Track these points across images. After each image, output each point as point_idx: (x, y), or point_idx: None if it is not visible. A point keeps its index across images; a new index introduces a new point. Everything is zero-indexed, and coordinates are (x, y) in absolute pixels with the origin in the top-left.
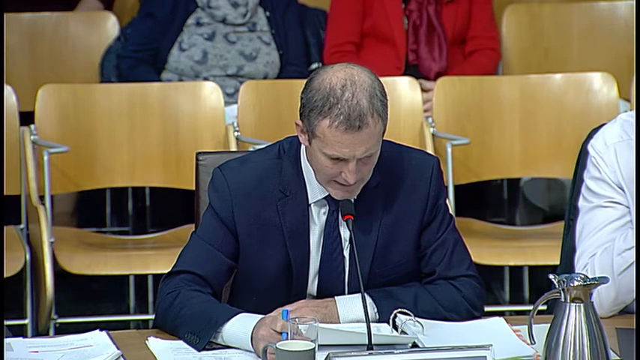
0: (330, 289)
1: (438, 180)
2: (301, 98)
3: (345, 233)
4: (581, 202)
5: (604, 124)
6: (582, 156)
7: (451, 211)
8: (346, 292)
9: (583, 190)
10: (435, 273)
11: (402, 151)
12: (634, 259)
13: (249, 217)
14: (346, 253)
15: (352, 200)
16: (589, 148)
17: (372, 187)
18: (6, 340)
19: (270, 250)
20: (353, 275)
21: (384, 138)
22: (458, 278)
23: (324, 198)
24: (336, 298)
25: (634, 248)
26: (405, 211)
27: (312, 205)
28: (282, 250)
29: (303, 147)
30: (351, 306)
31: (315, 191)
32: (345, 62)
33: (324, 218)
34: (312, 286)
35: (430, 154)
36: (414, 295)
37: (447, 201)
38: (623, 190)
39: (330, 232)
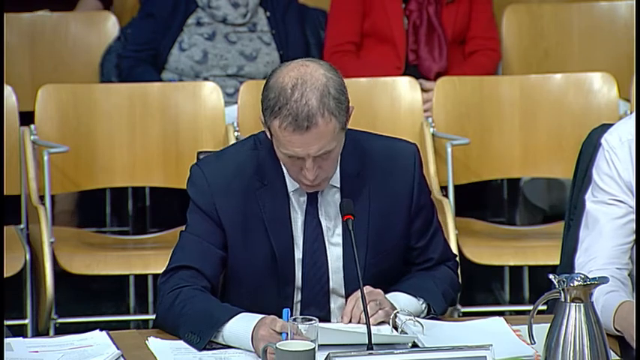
0: (312, 278)
1: (420, 166)
2: (261, 95)
3: (326, 221)
4: (587, 195)
5: (604, 124)
6: (584, 154)
7: (451, 211)
8: (330, 282)
9: (592, 183)
10: (432, 260)
11: (380, 139)
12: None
13: (231, 208)
14: (334, 240)
15: (340, 197)
16: (602, 141)
17: (353, 177)
18: (6, 340)
19: (254, 240)
20: (348, 268)
21: (364, 129)
22: (449, 261)
23: None
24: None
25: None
26: (393, 200)
27: (291, 193)
28: (265, 240)
29: None
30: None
31: (292, 180)
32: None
33: (304, 207)
34: (299, 276)
35: (408, 141)
36: (431, 280)
37: (447, 200)
38: (631, 191)
39: (310, 220)
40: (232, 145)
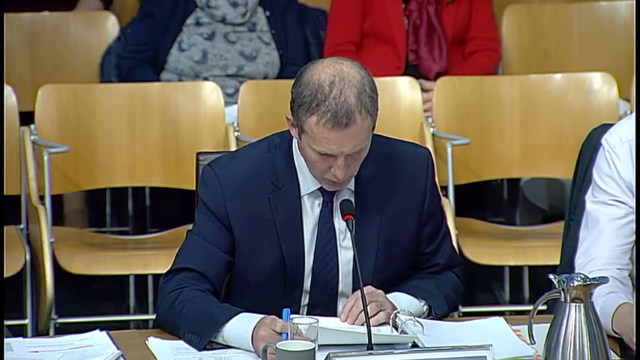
0: (322, 282)
1: (433, 172)
2: (291, 92)
3: (339, 224)
4: (587, 195)
5: (604, 124)
6: (584, 154)
7: (451, 211)
8: (340, 285)
9: (592, 183)
10: (438, 265)
11: (394, 144)
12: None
13: (242, 211)
14: (345, 243)
15: (352, 200)
16: (603, 141)
17: (368, 180)
18: (6, 340)
19: (263, 244)
20: (355, 271)
21: (375, 132)
22: (455, 267)
23: (318, 189)
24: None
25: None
26: (405, 204)
27: (305, 197)
28: (275, 244)
29: (294, 140)
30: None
31: (308, 183)
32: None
33: (318, 210)
34: (308, 280)
35: (421, 146)
36: (434, 283)
37: (447, 200)
38: (631, 191)
39: (324, 223)
40: (245, 147)
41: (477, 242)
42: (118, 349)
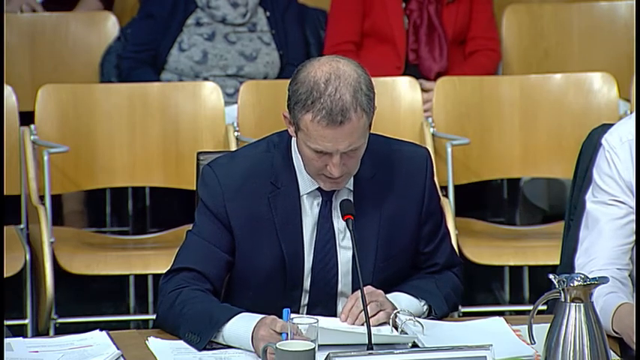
0: (321, 282)
1: (432, 172)
2: (288, 90)
3: (339, 224)
4: (587, 195)
5: (604, 124)
6: (584, 154)
7: (451, 211)
8: (339, 285)
9: (592, 183)
10: (438, 265)
11: (392, 143)
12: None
13: (242, 211)
14: (345, 243)
15: (351, 199)
16: (603, 141)
17: (367, 180)
18: (6, 340)
19: (263, 244)
20: (355, 271)
21: (375, 132)
22: (455, 267)
23: (317, 189)
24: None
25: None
26: (404, 204)
27: (304, 196)
28: (275, 244)
29: (293, 139)
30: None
31: (306, 183)
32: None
33: (317, 210)
34: (307, 280)
35: (420, 146)
36: (434, 283)
37: (447, 200)
38: (631, 191)
39: (323, 223)
40: (244, 147)
41: (477, 242)
42: (118, 349)
